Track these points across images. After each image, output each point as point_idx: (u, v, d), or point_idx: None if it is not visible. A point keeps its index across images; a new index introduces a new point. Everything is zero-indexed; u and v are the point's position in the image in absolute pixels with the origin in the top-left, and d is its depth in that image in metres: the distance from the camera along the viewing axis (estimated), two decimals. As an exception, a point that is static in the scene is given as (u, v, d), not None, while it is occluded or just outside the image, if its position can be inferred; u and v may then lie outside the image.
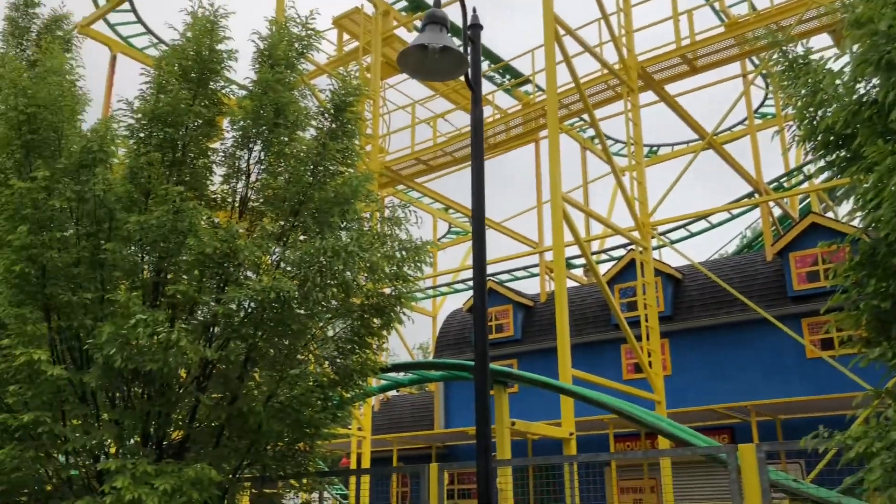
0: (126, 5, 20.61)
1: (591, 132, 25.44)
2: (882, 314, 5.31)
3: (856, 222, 5.64)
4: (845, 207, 21.16)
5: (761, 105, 24.37)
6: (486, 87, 22.42)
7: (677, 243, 24.44)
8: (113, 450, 7.32)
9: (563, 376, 11.94)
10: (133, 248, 7.34)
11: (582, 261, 24.74)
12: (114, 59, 20.37)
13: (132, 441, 7.28)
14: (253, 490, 8.40)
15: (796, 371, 17.09)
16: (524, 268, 26.62)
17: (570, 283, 23.70)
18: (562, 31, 14.24)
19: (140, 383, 7.19)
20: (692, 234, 24.06)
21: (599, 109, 18.45)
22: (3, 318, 6.89)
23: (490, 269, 27.15)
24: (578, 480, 10.21)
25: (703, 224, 23.69)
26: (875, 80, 5.09)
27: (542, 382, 11.14)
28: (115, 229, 7.39)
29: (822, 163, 5.94)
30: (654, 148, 26.74)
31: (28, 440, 6.68)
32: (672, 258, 36.40)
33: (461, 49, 6.46)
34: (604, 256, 25.87)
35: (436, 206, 26.54)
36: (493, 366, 10.52)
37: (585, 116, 20.86)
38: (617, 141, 26.99)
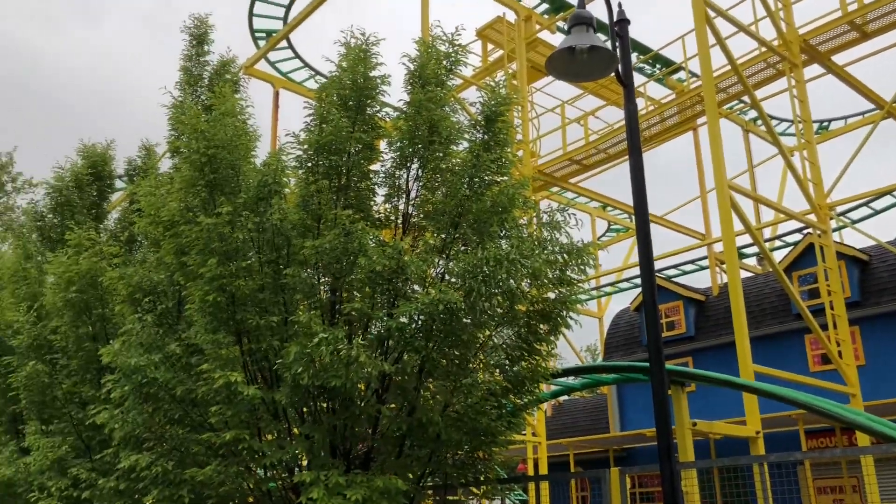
0: (284, 43, 21.91)
1: (752, 114, 24.15)
2: None
3: None
4: None
5: (947, 63, 22.14)
6: (637, 79, 21.91)
7: (860, 223, 22.66)
8: (305, 462, 7.77)
9: (743, 373, 11.38)
10: (310, 271, 7.79)
11: (754, 249, 23.50)
12: (277, 94, 21.73)
13: (322, 454, 7.70)
14: (436, 498, 8.63)
15: None
16: (692, 261, 25.64)
17: (744, 274, 22.55)
18: (712, 13, 13.66)
19: (325, 398, 7.59)
20: (876, 212, 22.24)
21: (760, 90, 17.48)
22: (201, 344, 7.51)
23: (656, 266, 26.37)
24: (771, 481, 9.68)
25: (888, 200, 21.82)
26: None
27: (723, 380, 10.67)
28: (293, 255, 7.86)
29: None
30: (825, 123, 24.96)
31: (230, 457, 7.23)
32: (855, 239, 33.79)
33: (608, 46, 6.36)
34: (778, 243, 24.42)
35: (592, 205, 26.15)
36: (669, 365, 10.21)
37: (745, 98, 19.84)
38: (782, 120, 25.47)
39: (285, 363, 6.82)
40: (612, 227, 28.49)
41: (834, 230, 17.69)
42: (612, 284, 26.94)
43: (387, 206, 9.11)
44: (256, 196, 7.85)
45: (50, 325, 10.74)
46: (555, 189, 23.39)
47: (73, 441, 10.30)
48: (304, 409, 7.77)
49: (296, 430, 7.72)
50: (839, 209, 21.04)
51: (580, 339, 48.78)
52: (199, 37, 13.15)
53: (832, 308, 14.04)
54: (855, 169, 55.34)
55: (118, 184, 15.84)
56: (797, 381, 12.81)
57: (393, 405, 7.87)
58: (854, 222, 22.06)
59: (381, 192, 8.93)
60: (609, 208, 25.99)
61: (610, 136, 19.30)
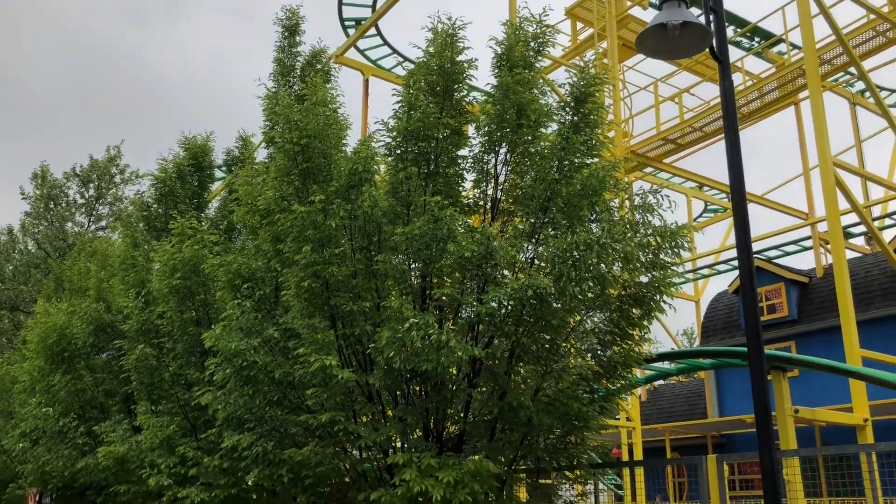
0: (373, 30, 22.14)
1: (860, 86, 22.88)
2: None
3: None
4: None
5: None
6: (734, 53, 21.08)
7: (982, 198, 21.18)
8: (398, 444, 7.91)
9: (850, 358, 10.89)
10: (400, 257, 7.89)
11: (861, 228, 22.33)
12: (366, 82, 22.01)
13: (415, 436, 7.82)
14: (528, 482, 8.64)
15: None
16: (794, 241, 24.58)
17: (850, 254, 21.49)
18: (815, -19, 13.00)
19: (417, 382, 7.70)
20: None
21: (868, 60, 16.53)
22: (298, 328, 7.74)
23: (756, 246, 25.44)
24: (879, 471, 9.24)
25: None
26: None
27: (827, 366, 10.24)
28: (383, 241, 7.99)
29: None
30: (942, 92, 23.41)
31: (327, 438, 7.44)
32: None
33: (702, 21, 6.15)
34: (888, 221, 23.13)
35: (688, 185, 25.40)
36: (769, 350, 9.87)
37: (852, 70, 18.82)
38: (893, 91, 24.03)
39: (378, 347, 6.95)
40: (708, 207, 27.63)
41: (951, 207, 16.62)
42: (709, 267, 26.13)
43: (475, 191, 9.12)
44: (347, 184, 8.00)
45: (157, 310, 11.28)
46: (648, 170, 22.81)
47: (180, 421, 10.82)
48: (398, 393, 7.90)
49: (389, 412, 7.86)
50: (957, 184, 19.72)
51: (676, 323, 47.75)
52: (291, 28, 13.45)
53: (949, 290, 13.22)
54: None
55: (217, 174, 16.42)
56: (910, 366, 12.14)
57: (484, 389, 7.91)
58: (974, 198, 20.63)
59: (470, 177, 8.95)
60: (705, 188, 25.19)
61: (706, 113, 18.67)
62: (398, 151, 8.49)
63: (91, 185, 38.13)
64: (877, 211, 23.05)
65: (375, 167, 8.28)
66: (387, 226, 7.95)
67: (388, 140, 8.52)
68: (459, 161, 8.87)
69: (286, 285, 8.18)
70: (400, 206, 8.12)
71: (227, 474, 8.43)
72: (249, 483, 8.59)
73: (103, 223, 37.88)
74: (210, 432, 9.37)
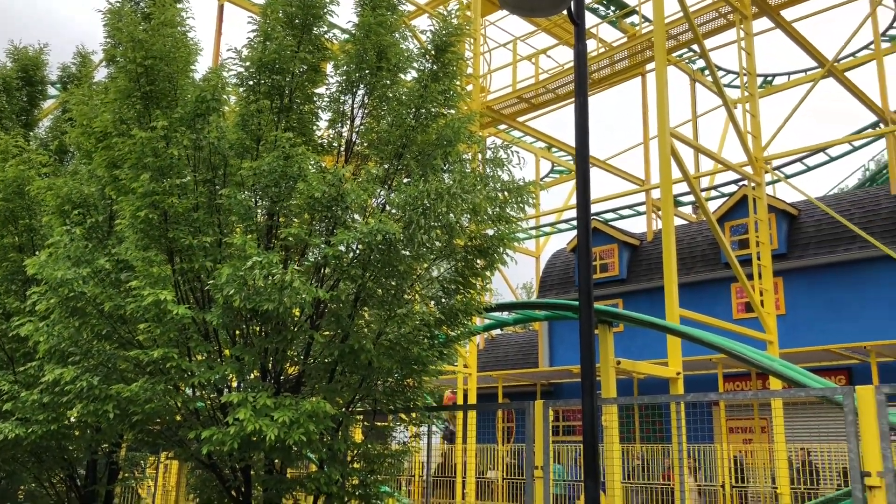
0: (230, -46, 20.95)
1: (700, 63, 24.33)
2: None
3: None
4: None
5: (889, 28, 22.58)
6: (590, 19, 21.77)
7: (793, 178, 23.32)
8: (234, 384, 7.78)
9: (670, 316, 11.77)
10: (247, 193, 7.65)
11: (691, 198, 24.00)
12: (221, 7, 20.88)
13: (252, 376, 7.71)
14: (365, 423, 8.78)
15: (922, 311, 16.20)
16: (630, 206, 26.08)
17: (679, 221, 23.09)
18: (669, -43, 13.58)
19: (258, 322, 7.56)
20: (809, 168, 22.88)
21: (710, 39, 17.60)
22: (132, 260, 7.36)
23: (595, 208, 26.76)
24: (686, 419, 10.13)
25: (821, 157, 22.47)
26: None
27: (648, 322, 11.02)
28: (230, 175, 7.71)
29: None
30: (769, 78, 25.35)
31: (158, 374, 7.17)
32: (787, 193, 34.80)
33: (563, -18, 6.28)
34: (714, 193, 24.99)
35: (538, 145, 26.22)
36: (598, 305, 10.47)
37: (695, 47, 19.95)
38: (729, 72, 25.75)
39: (217, 284, 6.74)
40: (555, 168, 28.67)
41: (768, 183, 18.17)
42: (551, 225, 27.26)
43: (330, 131, 8.97)
44: (194, 112, 7.61)
45: (-28, 232, 10.34)
46: (502, 126, 23.33)
47: (-4, 352, 10.07)
48: (237, 332, 7.74)
49: (226, 351, 7.69)
50: (774, 163, 21.57)
51: (517, 277, 49.58)
52: (140, -61, 12.46)
53: (759, 259, 14.53)
54: (792, 125, 56.67)
55: (51, 91, 15.15)
56: (720, 326, 13.31)
57: (326, 332, 7.90)
58: (788, 177, 22.68)
59: (325, 116, 8.78)
60: (554, 150, 26.11)
61: (560, 76, 19.25)
62: (251, 83, 8.17)
63: None
64: (705, 182, 24.82)
65: (225, 97, 7.92)
66: (234, 159, 7.67)
67: (241, 70, 8.17)
68: (315, 99, 8.68)
69: (121, 214, 7.72)
70: (249, 139, 7.84)
71: (48, 409, 7.95)
72: (72, 419, 8.18)
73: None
74: (30, 365, 8.79)
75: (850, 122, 66.46)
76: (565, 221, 26.97)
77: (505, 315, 14.61)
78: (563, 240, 46.43)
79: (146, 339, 7.18)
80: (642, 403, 17.39)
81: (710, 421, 17.50)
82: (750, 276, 14.46)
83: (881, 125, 19.55)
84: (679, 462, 7.74)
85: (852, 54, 23.07)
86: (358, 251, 7.39)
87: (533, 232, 26.92)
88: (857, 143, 22.24)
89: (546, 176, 28.90)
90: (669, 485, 13.65)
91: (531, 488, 7.89)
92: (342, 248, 7.10)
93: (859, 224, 17.08)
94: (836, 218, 16.76)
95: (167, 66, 7.92)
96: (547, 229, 27.40)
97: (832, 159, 22.76)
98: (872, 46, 21.01)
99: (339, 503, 8.07)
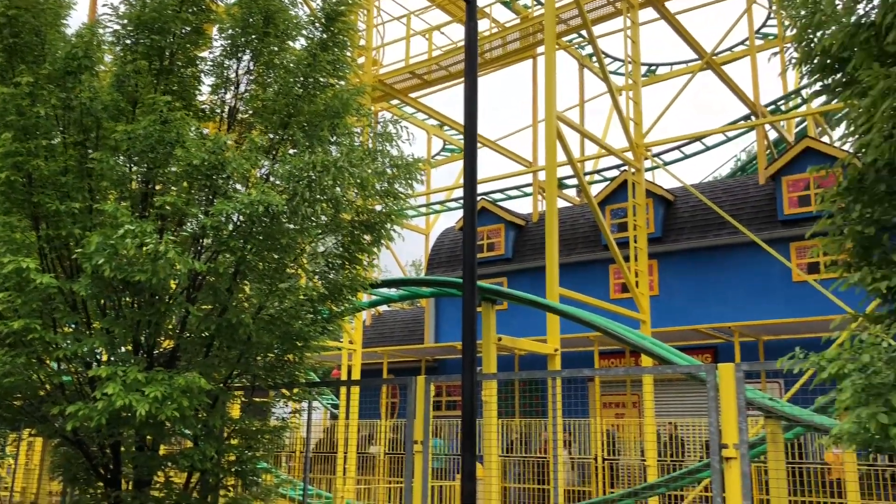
0: None
1: (589, 49, 24.95)
2: (865, 240, 5.36)
3: (848, 147, 5.61)
4: (840, 132, 21.01)
5: (763, 25, 23.86)
6: (484, -1, 21.80)
7: (671, 165, 24.35)
8: (105, 357, 7.44)
9: (550, 294, 12.09)
10: (121, 158, 7.27)
11: (575, 181, 24.67)
12: (99, -39, 19.70)
13: (123, 350, 7.39)
14: (243, 399, 8.60)
15: (782, 294, 17.33)
16: (517, 187, 26.55)
17: (563, 203, 23.72)
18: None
19: (130, 293, 7.24)
20: (686, 156, 23.93)
21: (598, 26, 18.05)
22: (-9, 225, 6.88)
23: (483, 188, 27.08)
24: (562, 395, 10.47)
25: (697, 146, 23.54)
26: (875, 1, 4.97)
27: (529, 300, 11.30)
28: (103, 139, 7.30)
29: (817, 86, 5.86)
30: (653, 67, 26.31)
31: (20, 346, 6.77)
32: (665, 180, 36.37)
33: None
34: (597, 177, 25.79)
35: (431, 123, 26.24)
36: (482, 283, 10.64)
37: (584, 33, 20.42)
38: (615, 59, 26.52)
39: (86, 253, 6.40)
40: (447, 146, 28.79)
41: (647, 170, 18.91)
42: (441, 203, 27.41)
43: (213, 97, 8.64)
44: (64, 69, 7.14)
45: None
46: (395, 101, 23.18)
47: None
48: (107, 303, 7.38)
49: (96, 324, 7.33)
50: (654, 150, 22.44)
51: (406, 254, 49.73)
52: None
53: (636, 242, 15.14)
54: (672, 114, 59.18)
55: None
56: (597, 305, 13.80)
57: (204, 305, 7.66)
58: (666, 164, 23.66)
59: (208, 81, 8.45)
60: (446, 128, 26.19)
61: (453, 53, 19.28)
62: (128, 42, 7.75)
63: None
64: (590, 166, 25.59)
65: (100, 55, 7.47)
66: (108, 122, 7.26)
67: (118, 28, 7.73)
68: (198, 62, 8.33)
69: (-21, 176, 7.19)
70: (125, 101, 7.45)
71: None
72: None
73: None
74: None
75: (726, 113, 70.11)
76: (455, 200, 27.18)
77: (391, 291, 14.61)
78: (453, 218, 46.88)
79: (6, 308, 6.74)
80: (520, 379, 17.86)
81: (586, 396, 18.19)
82: (627, 259, 15.04)
83: (753, 118, 20.68)
84: (554, 436, 7.99)
85: (729, 49, 24.26)
86: (239, 223, 7.18)
87: (423, 209, 27.01)
88: (730, 134, 23.44)
89: (438, 154, 28.99)
90: (545, 458, 14.12)
91: (410, 462, 7.96)
92: (222, 218, 6.87)
93: (729, 211, 18.05)
94: (709, 205, 17.64)
95: (34, 19, 7.40)
96: (437, 207, 27.54)
97: (707, 148, 23.90)
98: (748, 42, 22.14)
99: (214, 480, 7.90)
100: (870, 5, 5.08)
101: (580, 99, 24.71)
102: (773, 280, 17.51)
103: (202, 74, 8.38)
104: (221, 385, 7.82)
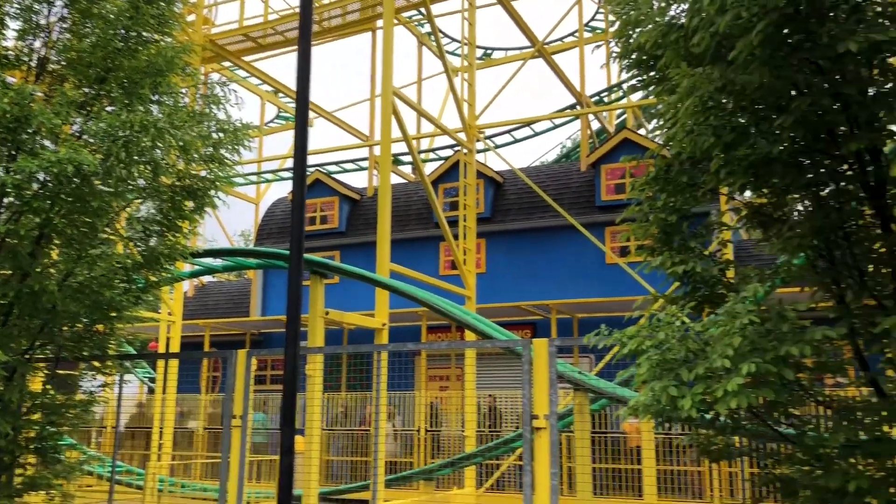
0: None
1: (428, 28, 25.13)
2: (667, 227, 5.82)
3: (659, 140, 6.05)
4: (653, 125, 22.56)
5: (592, 19, 25.07)
6: (325, -34, 21.33)
7: (501, 148, 25.13)
8: None
9: (381, 269, 12.16)
10: None
11: (409, 158, 24.88)
12: None
13: None
14: (47, 371, 8.02)
15: (596, 275, 18.44)
16: (353, 160, 26.40)
17: (397, 180, 23.86)
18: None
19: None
20: (516, 140, 24.80)
21: (438, 5, 18.20)
22: None
23: (319, 159, 26.68)
24: (389, 369, 10.59)
25: (527, 131, 24.45)
26: (685, 4, 5.36)
27: (357, 274, 11.31)
28: None
29: (634, 81, 6.26)
30: (489, 51, 26.92)
31: None
32: (496, 162, 37.48)
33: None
34: (432, 156, 26.14)
35: (265, 89, 25.43)
36: (310, 256, 10.51)
37: (423, 10, 20.53)
38: (453, 40, 26.89)
39: None
40: (281, 113, 28.06)
41: (479, 151, 19.39)
42: (273, 172, 26.73)
43: (19, 43, 7.89)
44: None
45: None
46: (227, 64, 22.23)
47: None
48: None
49: None
50: (487, 132, 23.05)
51: (235, 224, 47.97)
52: None
53: (465, 220, 15.53)
54: (504, 99, 60.97)
55: None
56: (427, 281, 14.05)
57: (3, 270, 7.04)
58: (497, 147, 24.40)
59: (14, 26, 7.70)
60: (281, 95, 25.50)
61: (289, 18, 18.73)
62: (-84, -27, 6.91)
63: None
64: (425, 144, 25.88)
65: None
66: None
67: None
68: (2, 3, 7.56)
69: None
70: (-89, 40, 6.65)
71: None
72: None
73: None
74: None
75: (557, 101, 73.19)
76: (288, 170, 26.58)
77: (215, 262, 14.10)
78: (286, 188, 45.77)
79: None
80: (346, 353, 17.89)
81: (412, 370, 18.53)
82: (457, 237, 15.41)
83: (578, 107, 21.73)
84: (377, 409, 8.09)
85: (560, 39, 25.30)
86: (45, 182, 6.64)
87: (254, 178, 26.21)
88: (557, 122, 24.52)
89: (272, 121, 28.20)
90: (368, 430, 14.27)
91: (228, 437, 7.77)
92: (24, 177, 6.32)
93: (553, 195, 18.91)
94: (534, 188, 18.40)
95: None
96: (269, 176, 26.83)
97: (536, 134, 24.88)
98: (577, 34, 23.18)
99: (10, 458, 7.33)
100: (680, 8, 5.47)
101: (418, 77, 24.86)
102: (590, 262, 18.59)
103: (6, 17, 7.62)
104: (21, 356, 7.24)
